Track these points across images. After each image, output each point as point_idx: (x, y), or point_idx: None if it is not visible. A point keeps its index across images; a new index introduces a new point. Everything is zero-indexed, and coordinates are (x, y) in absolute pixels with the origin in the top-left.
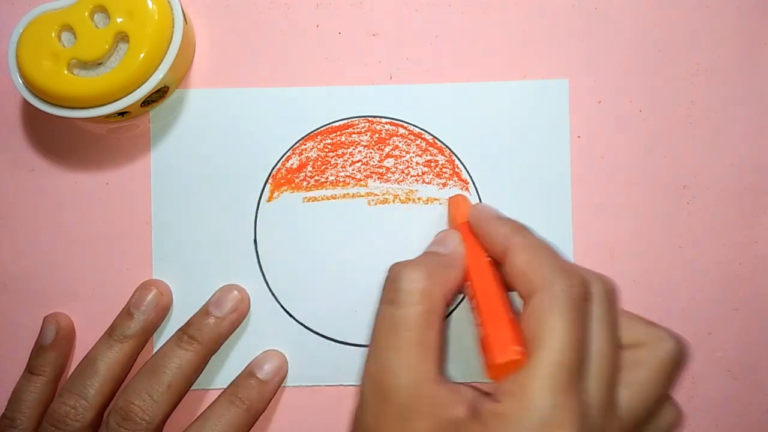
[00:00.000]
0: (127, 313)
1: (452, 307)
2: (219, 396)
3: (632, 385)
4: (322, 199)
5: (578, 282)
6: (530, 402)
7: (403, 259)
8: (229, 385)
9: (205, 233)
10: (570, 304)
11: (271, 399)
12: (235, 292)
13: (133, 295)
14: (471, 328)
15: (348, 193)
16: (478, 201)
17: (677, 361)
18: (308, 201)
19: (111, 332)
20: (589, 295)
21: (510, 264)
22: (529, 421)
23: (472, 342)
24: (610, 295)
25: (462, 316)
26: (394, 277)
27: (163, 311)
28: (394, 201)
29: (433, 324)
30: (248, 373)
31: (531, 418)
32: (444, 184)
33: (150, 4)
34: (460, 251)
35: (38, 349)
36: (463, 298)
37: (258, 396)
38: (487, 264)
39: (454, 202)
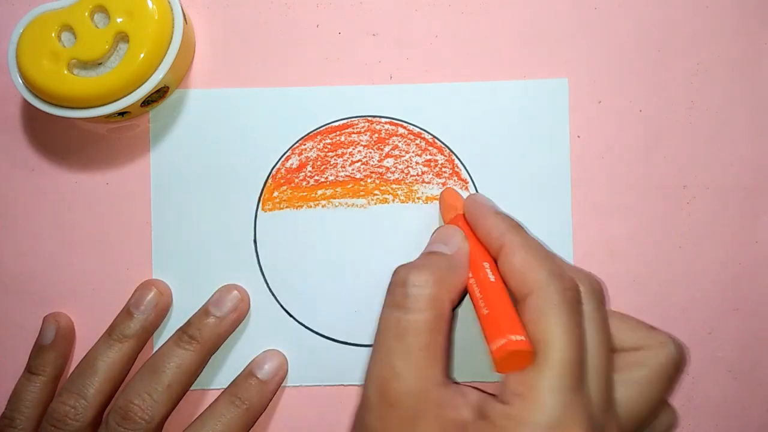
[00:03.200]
0: (126, 312)
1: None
2: (219, 396)
3: (633, 386)
4: (322, 198)
5: (571, 285)
6: (540, 402)
7: (402, 260)
8: (229, 385)
9: (205, 233)
10: (567, 306)
11: (271, 399)
12: (235, 292)
13: (132, 295)
14: (474, 327)
15: (348, 193)
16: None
17: (677, 365)
18: (308, 201)
19: (111, 332)
20: (580, 296)
21: (505, 262)
22: (540, 422)
23: (474, 342)
24: (599, 294)
25: (465, 315)
26: (401, 281)
27: (162, 311)
28: (393, 201)
29: (440, 329)
30: (248, 373)
31: (542, 418)
32: (444, 184)
33: (150, 4)
34: (464, 250)
35: (38, 349)
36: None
37: (258, 396)
38: (487, 258)
39: (448, 194)
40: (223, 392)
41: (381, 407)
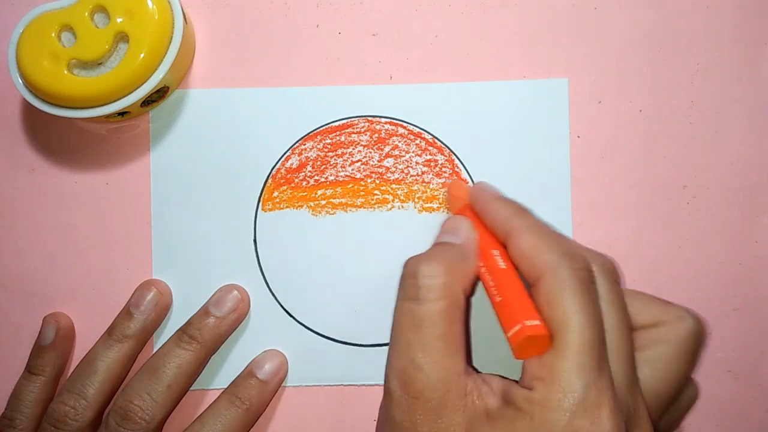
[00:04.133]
0: (126, 312)
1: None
2: (219, 396)
3: (655, 364)
4: (322, 198)
5: (583, 265)
6: (564, 385)
7: (401, 259)
8: (229, 385)
9: (205, 233)
10: (580, 285)
11: (271, 399)
12: (235, 292)
13: (132, 295)
14: (480, 320)
15: (347, 193)
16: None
17: (697, 339)
18: (308, 201)
19: (111, 332)
20: (593, 276)
21: (514, 247)
22: (566, 404)
23: (491, 333)
24: (612, 273)
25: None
26: (412, 272)
27: (162, 311)
28: (393, 201)
29: (456, 318)
30: (248, 373)
31: (568, 400)
32: (444, 184)
33: (150, 4)
34: (472, 238)
35: (38, 349)
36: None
37: (258, 396)
38: (497, 245)
39: (454, 186)
40: (223, 392)
41: (405, 400)
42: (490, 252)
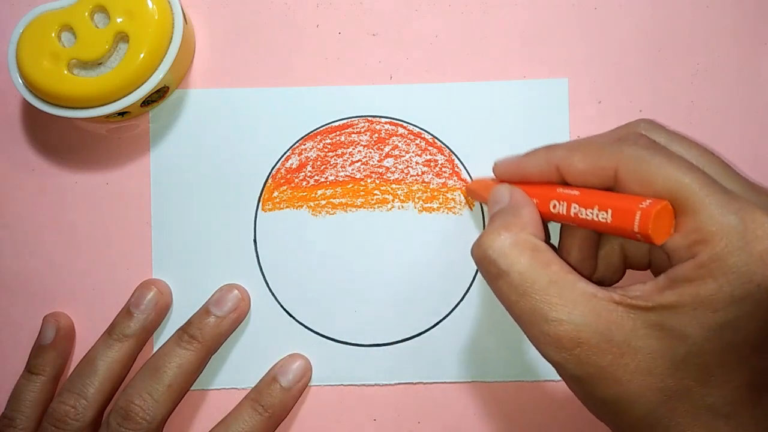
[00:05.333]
0: (126, 312)
1: (454, 308)
2: (242, 401)
3: None
4: (322, 198)
5: (636, 136)
6: (724, 227)
7: (401, 259)
8: (252, 390)
9: (205, 233)
10: (653, 150)
11: (294, 404)
12: (236, 292)
13: (132, 295)
14: (481, 327)
15: (347, 193)
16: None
17: None
18: (308, 201)
19: (111, 331)
20: (649, 138)
21: (572, 173)
22: (736, 242)
23: (482, 342)
24: (658, 125)
25: (466, 315)
26: (482, 254)
27: (162, 310)
28: (393, 201)
29: (549, 259)
30: (272, 379)
31: (734, 236)
32: (444, 184)
33: (150, 4)
34: (517, 192)
35: (38, 349)
36: (457, 305)
37: (280, 404)
38: (553, 187)
39: (474, 185)
40: (246, 397)
41: (573, 358)
42: (555, 192)
